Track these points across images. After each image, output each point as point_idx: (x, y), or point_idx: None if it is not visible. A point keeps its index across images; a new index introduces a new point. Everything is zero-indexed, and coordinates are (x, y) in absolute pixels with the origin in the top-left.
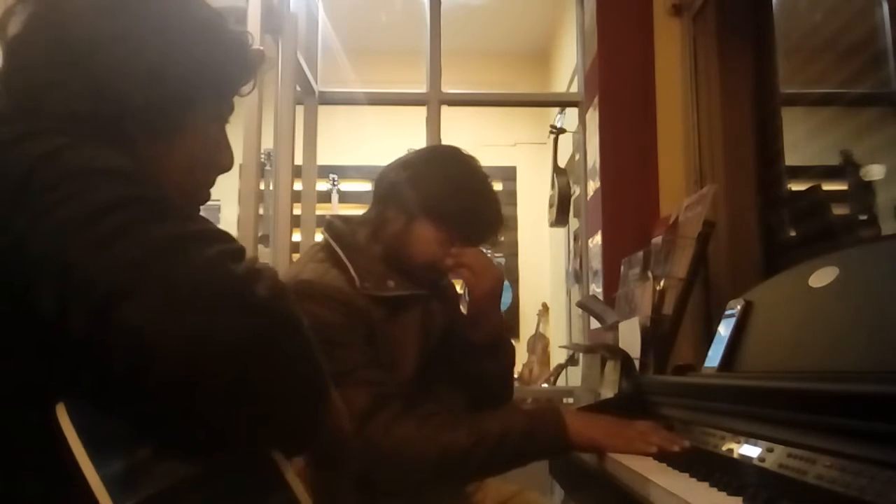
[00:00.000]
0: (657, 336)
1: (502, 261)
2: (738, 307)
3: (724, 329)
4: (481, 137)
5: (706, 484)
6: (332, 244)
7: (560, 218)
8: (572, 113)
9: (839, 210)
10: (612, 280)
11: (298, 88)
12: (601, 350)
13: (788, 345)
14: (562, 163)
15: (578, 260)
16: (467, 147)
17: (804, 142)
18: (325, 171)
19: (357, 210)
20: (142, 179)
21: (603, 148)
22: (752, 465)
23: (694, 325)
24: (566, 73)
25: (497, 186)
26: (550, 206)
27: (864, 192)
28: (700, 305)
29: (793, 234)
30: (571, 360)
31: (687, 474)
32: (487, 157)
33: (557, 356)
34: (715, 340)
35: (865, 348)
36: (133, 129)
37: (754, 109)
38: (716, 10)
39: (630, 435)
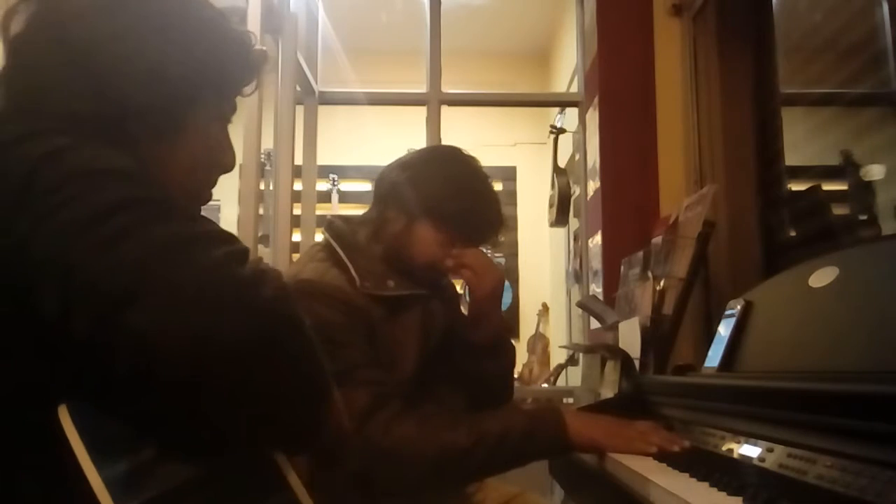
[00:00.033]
0: (657, 336)
1: (502, 261)
2: (738, 307)
3: (724, 329)
4: (481, 137)
5: (706, 484)
6: (332, 244)
7: (560, 218)
8: (572, 113)
9: (839, 210)
10: (612, 280)
11: (298, 88)
12: (601, 350)
13: (788, 345)
14: (562, 163)
15: (578, 260)
16: (467, 147)
17: (804, 142)
18: (325, 171)
19: (357, 210)
20: (145, 180)
21: (603, 148)
22: (752, 465)
23: (694, 325)
24: (566, 73)
25: (497, 186)
26: (550, 206)
27: (864, 192)
28: (700, 305)
29: (793, 234)
30: (571, 360)
31: (687, 474)
32: (487, 157)
33: (557, 356)
34: (715, 340)
35: (865, 348)
36: (135, 129)
37: (754, 109)
38: (716, 10)
39: (630, 435)
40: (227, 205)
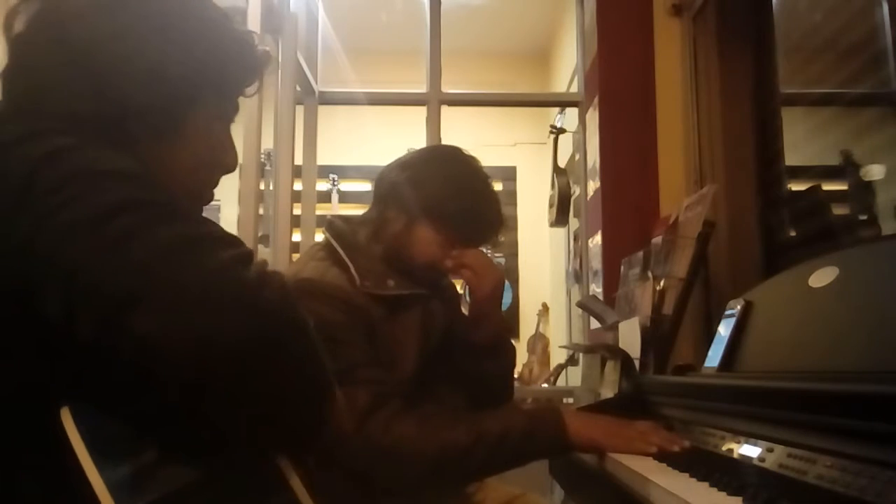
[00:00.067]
0: (657, 336)
1: (502, 261)
2: (738, 307)
3: (724, 329)
4: (481, 137)
5: (706, 484)
6: (332, 243)
7: (560, 218)
8: (572, 113)
9: (839, 210)
10: (612, 280)
11: (298, 88)
12: (601, 350)
13: (788, 345)
14: (562, 163)
15: (578, 260)
16: (467, 147)
17: (804, 142)
18: (325, 171)
19: (357, 210)
20: (148, 181)
21: (603, 148)
22: (752, 465)
23: (694, 325)
24: (566, 73)
25: (497, 186)
26: (550, 206)
27: (864, 192)
28: (700, 305)
29: (793, 234)
30: (571, 360)
31: (687, 474)
32: (487, 157)
33: (557, 356)
34: (715, 340)
35: (865, 348)
36: (135, 129)
37: (754, 109)
38: (716, 10)
39: (630, 435)
40: (227, 205)
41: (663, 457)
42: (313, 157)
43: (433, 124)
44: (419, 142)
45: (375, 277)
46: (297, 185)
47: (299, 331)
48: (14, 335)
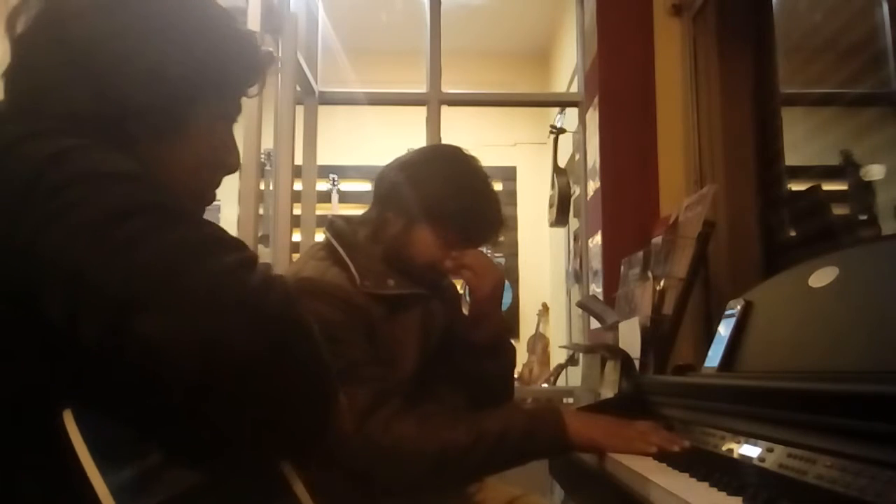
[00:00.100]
0: (657, 336)
1: (502, 261)
2: (738, 307)
3: (724, 329)
4: (481, 137)
5: (706, 484)
6: (333, 243)
7: (560, 218)
8: (572, 113)
9: (839, 210)
10: (612, 280)
11: (298, 88)
12: (601, 350)
13: (788, 345)
14: (562, 163)
15: (578, 260)
16: (467, 147)
17: (804, 142)
18: (325, 171)
19: (357, 210)
20: (153, 184)
21: (603, 148)
22: (752, 465)
23: (694, 325)
24: (566, 73)
25: (497, 186)
26: (550, 206)
27: (864, 192)
28: (700, 305)
29: (793, 234)
30: (571, 360)
31: (687, 474)
32: (487, 157)
33: (557, 356)
34: (715, 340)
35: (865, 348)
36: (136, 129)
37: (754, 109)
38: (716, 10)
39: (630, 435)
40: (227, 205)
41: (663, 457)
42: (313, 157)
43: (433, 124)
44: (419, 142)
45: (375, 277)
46: (297, 185)
47: (304, 335)
48: (16, 336)
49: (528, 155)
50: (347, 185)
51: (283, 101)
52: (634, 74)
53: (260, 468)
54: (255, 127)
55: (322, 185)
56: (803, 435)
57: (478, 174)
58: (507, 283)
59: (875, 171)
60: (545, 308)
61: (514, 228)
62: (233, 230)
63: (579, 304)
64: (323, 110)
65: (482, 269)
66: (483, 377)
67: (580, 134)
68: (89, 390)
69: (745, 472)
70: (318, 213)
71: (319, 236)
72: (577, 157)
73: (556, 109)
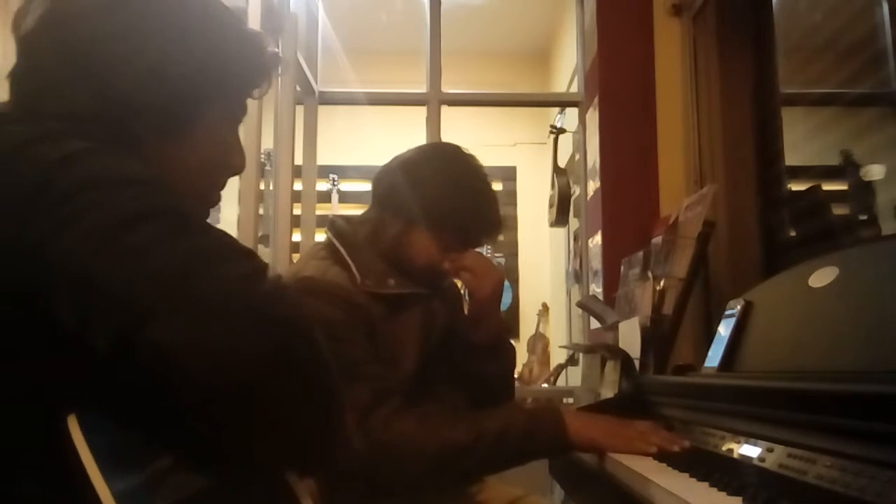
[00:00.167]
0: (657, 336)
1: (502, 261)
2: (738, 307)
3: (724, 329)
4: (481, 137)
5: (706, 484)
6: (334, 242)
7: (560, 218)
8: (572, 113)
9: (839, 210)
10: (612, 280)
11: (298, 88)
12: (601, 350)
13: (788, 345)
14: (562, 163)
15: (578, 260)
16: (467, 147)
17: (804, 142)
18: (325, 171)
19: (357, 210)
20: (164, 189)
21: (603, 148)
22: (752, 465)
23: (694, 325)
24: (566, 73)
25: (497, 186)
26: (550, 206)
27: (864, 192)
28: (700, 305)
29: (793, 234)
30: (571, 360)
31: (687, 474)
32: (487, 157)
33: (557, 356)
34: (715, 340)
35: (865, 348)
36: (139, 130)
37: (754, 109)
38: (716, 10)
39: (630, 435)
40: (227, 205)
41: (663, 457)
42: (313, 157)
43: (433, 124)
44: (419, 142)
45: (376, 276)
46: (297, 185)
47: (313, 343)
48: (20, 337)
49: (528, 155)
50: (347, 185)
51: (283, 101)
52: (634, 74)
53: (266, 476)
54: (255, 127)
55: (322, 185)
56: (803, 435)
57: (477, 173)
58: (507, 283)
59: (875, 171)
60: (545, 308)
61: (514, 228)
62: (233, 230)
63: (579, 304)
64: (323, 110)
65: (481, 271)
66: (483, 378)
67: (580, 134)
68: (97, 393)
69: (745, 472)
70: (318, 213)
71: (319, 236)
72: (577, 157)
73: (556, 109)
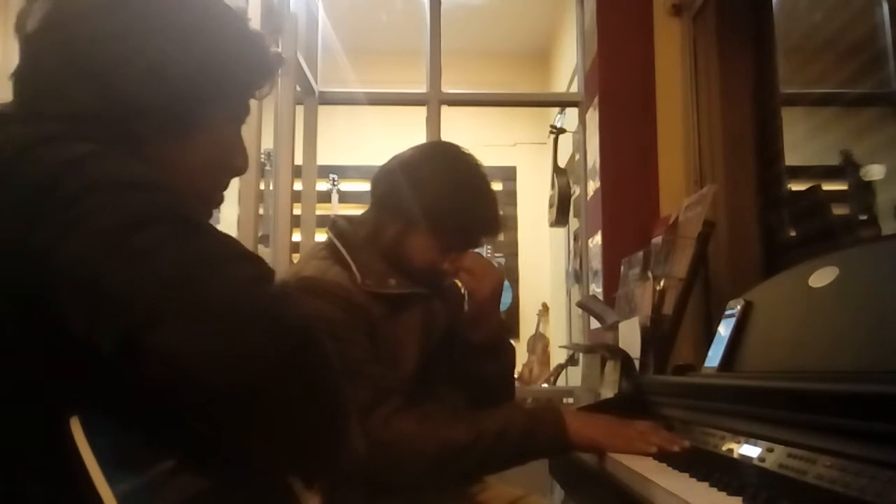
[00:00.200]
0: (657, 336)
1: (502, 261)
2: (738, 307)
3: (724, 329)
4: (481, 137)
5: (706, 484)
6: (335, 242)
7: (560, 218)
8: (572, 113)
9: (839, 210)
10: (612, 280)
11: (298, 88)
12: (601, 350)
13: (788, 345)
14: (562, 163)
15: (578, 260)
16: (467, 147)
17: (804, 142)
18: (325, 171)
19: (357, 210)
20: (170, 192)
21: (603, 148)
22: (752, 465)
23: (694, 325)
24: (566, 73)
25: (497, 186)
26: (550, 206)
27: (864, 192)
28: (700, 305)
29: (793, 234)
30: (571, 360)
31: (687, 474)
32: (487, 157)
33: (557, 356)
34: (715, 340)
35: (865, 348)
36: (140, 130)
37: (754, 109)
38: (716, 10)
39: (630, 435)
40: (227, 205)
41: (663, 457)
42: (313, 157)
43: (433, 124)
44: (419, 142)
45: (377, 276)
46: (297, 185)
47: (318, 349)
48: (24, 339)
49: (528, 155)
50: (347, 185)
51: (283, 101)
52: (634, 74)
53: (269, 481)
54: (255, 127)
55: (322, 185)
56: (803, 435)
57: (476, 173)
58: (507, 282)
59: (875, 171)
60: (545, 308)
61: (514, 228)
62: (233, 230)
63: (579, 304)
64: (323, 110)
65: (480, 272)
66: (483, 378)
67: (580, 134)
68: (100, 395)
69: (745, 472)
70: (318, 213)
71: (320, 236)
72: (577, 157)
73: (556, 109)
